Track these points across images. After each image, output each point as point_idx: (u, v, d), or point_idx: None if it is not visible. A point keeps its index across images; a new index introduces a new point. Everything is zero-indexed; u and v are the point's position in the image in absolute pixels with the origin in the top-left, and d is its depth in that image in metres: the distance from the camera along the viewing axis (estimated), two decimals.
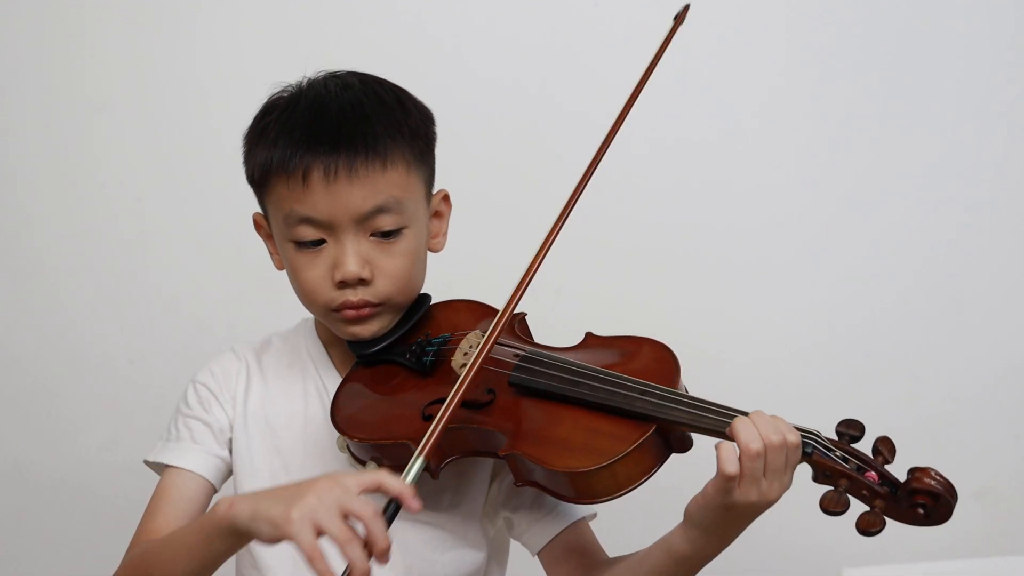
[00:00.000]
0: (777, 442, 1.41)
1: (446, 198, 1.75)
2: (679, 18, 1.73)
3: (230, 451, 1.75)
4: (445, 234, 1.76)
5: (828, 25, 2.67)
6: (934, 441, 2.69)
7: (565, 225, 1.68)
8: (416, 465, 1.41)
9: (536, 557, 1.71)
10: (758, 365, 2.69)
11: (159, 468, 1.75)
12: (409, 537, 1.66)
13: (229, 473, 1.77)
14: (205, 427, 1.74)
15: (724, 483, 1.41)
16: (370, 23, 2.69)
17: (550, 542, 1.67)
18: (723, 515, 1.44)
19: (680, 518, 1.50)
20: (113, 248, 2.73)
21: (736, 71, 2.68)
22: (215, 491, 1.75)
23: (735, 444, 1.42)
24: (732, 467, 1.41)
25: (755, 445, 1.40)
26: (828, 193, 2.69)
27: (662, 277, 2.69)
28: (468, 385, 1.50)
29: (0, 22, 2.71)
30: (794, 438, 1.43)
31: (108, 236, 2.73)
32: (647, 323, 2.68)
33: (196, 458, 1.73)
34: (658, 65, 1.68)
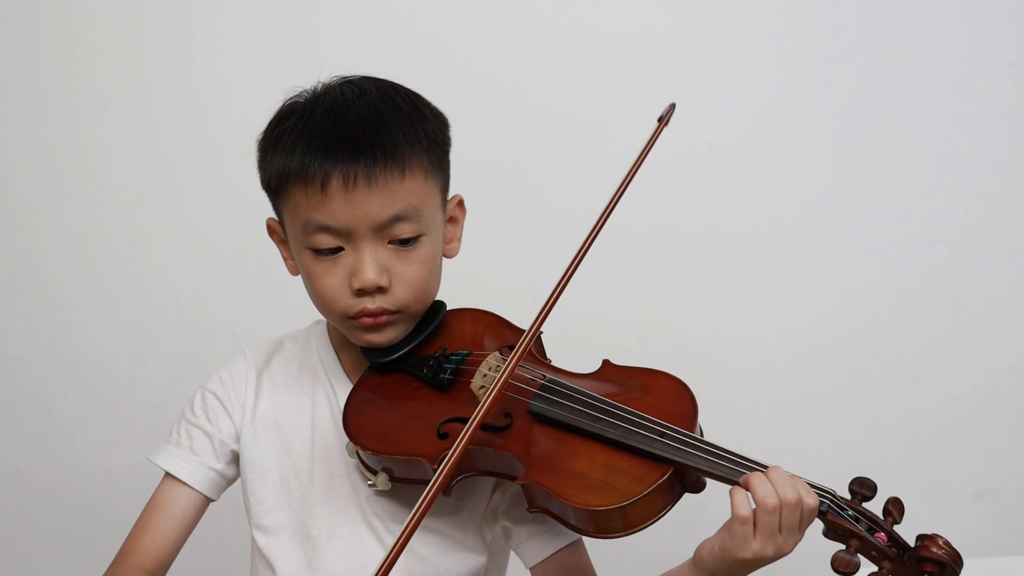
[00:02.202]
0: (792, 501, 1.43)
1: (461, 203, 1.74)
2: (664, 120, 1.72)
3: (234, 462, 1.77)
4: (460, 239, 1.75)
5: (828, 26, 2.67)
6: (934, 441, 2.70)
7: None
8: None
9: (529, 570, 1.71)
10: (758, 365, 2.69)
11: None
12: (411, 540, 1.66)
13: (227, 485, 1.78)
14: (206, 438, 1.75)
15: (739, 528, 1.44)
16: (368, 22, 2.69)
17: (545, 559, 1.67)
18: (735, 566, 1.46)
19: (661, 541, 1.50)
20: (113, 248, 2.74)
21: (736, 71, 2.68)
22: (208, 502, 1.77)
23: (749, 495, 1.45)
24: (745, 510, 1.43)
25: (771, 500, 1.43)
26: (828, 193, 2.69)
27: (662, 277, 2.69)
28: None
29: (0, 22, 2.71)
30: (812, 501, 1.45)
31: (108, 236, 2.73)
32: (647, 323, 2.71)
33: (193, 471, 1.74)
34: (643, 165, 1.66)
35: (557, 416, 1.55)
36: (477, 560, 1.69)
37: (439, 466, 1.48)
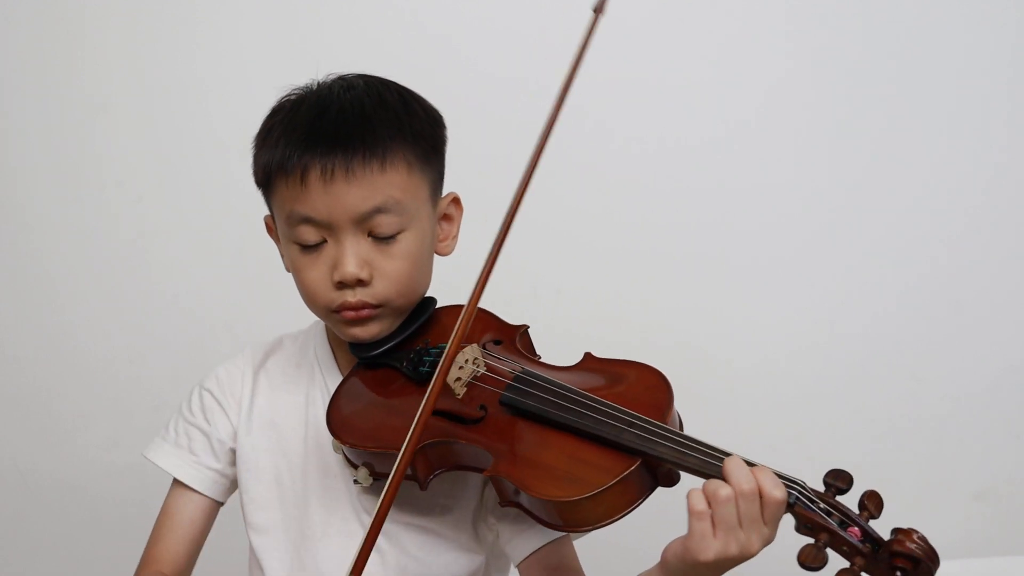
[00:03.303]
0: (748, 490, 1.37)
1: (456, 201, 1.74)
2: (598, 9, 1.71)
3: (231, 462, 1.77)
4: (455, 237, 1.74)
5: (829, 25, 2.68)
6: (934, 441, 2.70)
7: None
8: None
9: (516, 568, 1.70)
10: (758, 365, 2.69)
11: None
12: (404, 540, 1.66)
13: (231, 486, 1.79)
14: (204, 438, 1.76)
15: (696, 524, 1.38)
16: (368, 22, 2.69)
17: (529, 555, 1.65)
18: (698, 569, 1.40)
19: (656, 534, 1.48)
20: (113, 248, 2.74)
21: (736, 71, 2.68)
22: (218, 506, 1.78)
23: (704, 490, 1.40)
24: (700, 504, 1.38)
25: (723, 491, 1.37)
26: (828, 194, 2.69)
27: (662, 278, 2.69)
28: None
29: (0, 22, 2.71)
30: (779, 494, 1.37)
31: (108, 236, 2.73)
32: (647, 323, 2.70)
33: (195, 474, 1.75)
34: (582, 63, 1.64)
35: (527, 407, 1.53)
36: (473, 560, 1.69)
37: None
